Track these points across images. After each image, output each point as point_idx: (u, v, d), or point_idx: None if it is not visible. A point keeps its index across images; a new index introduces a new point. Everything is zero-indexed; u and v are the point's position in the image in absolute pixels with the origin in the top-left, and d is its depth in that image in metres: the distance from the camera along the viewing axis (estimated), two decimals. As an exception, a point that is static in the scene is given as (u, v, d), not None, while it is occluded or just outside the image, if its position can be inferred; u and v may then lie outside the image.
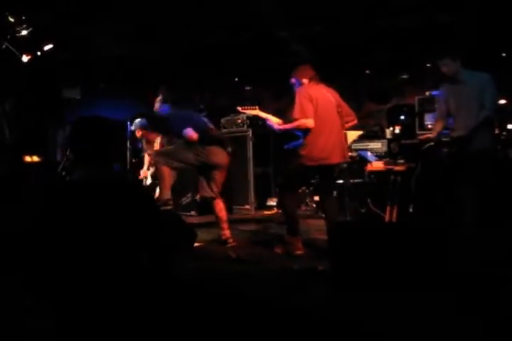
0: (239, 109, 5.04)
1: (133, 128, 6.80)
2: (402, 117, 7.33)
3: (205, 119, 5.34)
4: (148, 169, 7.03)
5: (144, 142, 7.04)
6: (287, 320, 3.00)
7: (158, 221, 2.44)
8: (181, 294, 2.90)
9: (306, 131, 4.43)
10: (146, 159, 7.13)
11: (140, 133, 6.76)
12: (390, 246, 3.29)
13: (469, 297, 3.04)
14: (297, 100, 4.41)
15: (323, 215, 4.85)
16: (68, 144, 2.58)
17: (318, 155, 4.45)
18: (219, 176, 5.14)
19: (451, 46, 4.87)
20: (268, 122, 4.80)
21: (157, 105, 5.18)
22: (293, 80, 4.66)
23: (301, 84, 4.56)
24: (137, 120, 6.76)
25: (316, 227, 5.45)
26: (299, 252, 4.52)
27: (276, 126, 4.67)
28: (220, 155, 5.10)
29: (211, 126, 5.31)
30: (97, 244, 2.16)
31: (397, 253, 3.25)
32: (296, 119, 4.40)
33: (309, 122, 4.36)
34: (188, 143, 4.99)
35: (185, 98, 8.77)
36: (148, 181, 6.93)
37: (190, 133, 4.93)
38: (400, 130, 6.95)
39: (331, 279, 3.53)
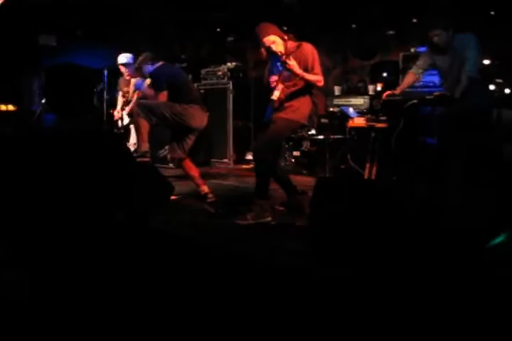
0: None
1: (123, 61, 6.50)
2: (385, 74, 7.24)
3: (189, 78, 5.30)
4: (122, 109, 6.85)
5: (121, 80, 6.83)
6: (265, 276, 2.99)
7: (133, 173, 2.39)
8: (156, 245, 2.86)
9: (301, 90, 4.31)
10: (120, 99, 6.94)
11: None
12: (372, 204, 3.27)
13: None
14: (315, 57, 4.23)
15: (281, 187, 4.67)
16: (43, 92, 2.48)
17: (309, 114, 4.44)
18: (191, 139, 5.09)
19: (442, 16, 4.77)
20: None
21: (142, 69, 5.21)
22: (271, 39, 4.24)
23: (284, 40, 4.25)
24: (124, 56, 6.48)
25: (295, 183, 5.42)
26: (268, 218, 4.30)
27: (298, 70, 4.15)
28: (198, 118, 5.03)
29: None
30: (69, 194, 2.10)
31: (379, 211, 3.24)
32: (316, 74, 4.21)
33: (322, 81, 4.28)
34: (169, 101, 4.96)
35: (166, 48, 8.57)
36: (126, 121, 6.76)
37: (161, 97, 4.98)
38: (382, 87, 6.87)
39: (311, 235, 3.52)
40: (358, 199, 3.40)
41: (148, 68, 5.15)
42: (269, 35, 4.26)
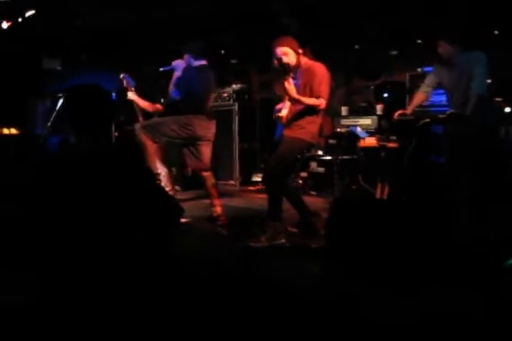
0: None
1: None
2: (386, 95, 7.20)
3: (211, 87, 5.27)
4: None
5: None
6: (281, 298, 2.95)
7: (156, 195, 2.35)
8: (179, 271, 2.82)
9: (307, 109, 4.22)
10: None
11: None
12: (389, 225, 3.24)
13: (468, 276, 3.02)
14: (323, 78, 4.14)
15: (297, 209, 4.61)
16: (65, 112, 2.44)
17: (318, 133, 4.39)
18: (206, 149, 5.04)
19: (453, 30, 4.83)
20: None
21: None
22: (283, 50, 4.19)
23: (298, 54, 4.22)
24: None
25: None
26: (282, 240, 4.24)
27: (294, 94, 4.05)
28: (206, 128, 4.99)
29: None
30: (93, 217, 2.06)
31: (396, 231, 3.20)
32: (318, 97, 4.11)
33: (324, 104, 4.16)
34: (173, 114, 4.94)
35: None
36: None
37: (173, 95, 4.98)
38: (383, 108, 6.82)
39: (328, 258, 3.48)
40: (375, 219, 3.37)
41: (193, 62, 5.21)
42: (282, 46, 4.21)
